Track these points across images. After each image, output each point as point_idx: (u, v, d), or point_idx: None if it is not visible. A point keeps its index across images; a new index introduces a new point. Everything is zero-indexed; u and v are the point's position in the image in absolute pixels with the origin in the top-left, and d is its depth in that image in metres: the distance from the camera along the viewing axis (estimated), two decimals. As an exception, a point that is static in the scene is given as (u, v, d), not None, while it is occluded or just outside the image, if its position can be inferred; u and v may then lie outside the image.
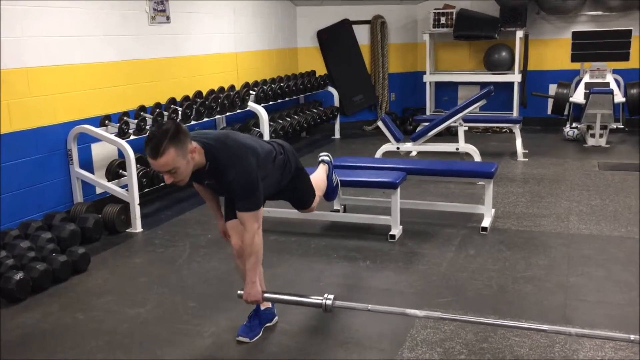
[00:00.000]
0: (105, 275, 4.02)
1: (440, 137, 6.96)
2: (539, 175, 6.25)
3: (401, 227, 4.55)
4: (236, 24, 7.36)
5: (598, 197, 5.35)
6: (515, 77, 8.53)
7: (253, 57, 7.78)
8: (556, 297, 3.45)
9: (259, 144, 2.91)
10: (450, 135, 7.71)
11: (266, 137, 6.65)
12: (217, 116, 6.30)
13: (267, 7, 8.12)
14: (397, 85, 9.51)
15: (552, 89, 8.56)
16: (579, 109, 7.88)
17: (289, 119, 7.63)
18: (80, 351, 3.02)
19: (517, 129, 7.15)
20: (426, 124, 6.64)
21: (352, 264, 4.07)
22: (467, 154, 6.29)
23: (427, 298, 3.50)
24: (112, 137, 4.91)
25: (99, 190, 5.16)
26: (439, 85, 9.38)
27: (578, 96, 7.90)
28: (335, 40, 9.14)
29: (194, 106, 5.82)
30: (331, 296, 2.85)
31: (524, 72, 8.62)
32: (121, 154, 5.01)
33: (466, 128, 6.53)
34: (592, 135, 7.56)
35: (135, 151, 4.86)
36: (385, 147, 6.26)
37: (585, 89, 7.78)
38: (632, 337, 2.55)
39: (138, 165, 4.96)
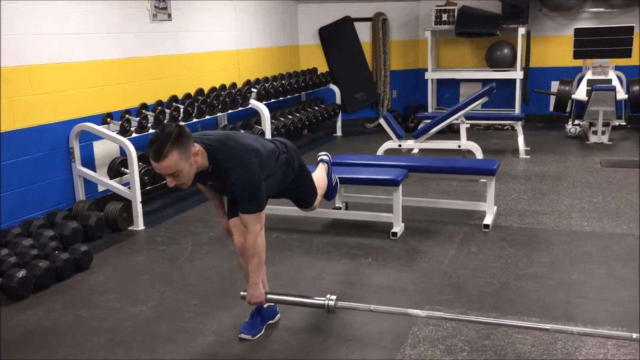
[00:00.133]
0: (108, 273, 4.02)
1: (442, 135, 6.95)
2: (541, 172, 6.24)
3: (403, 224, 4.55)
4: (238, 21, 7.35)
5: (600, 194, 5.34)
6: (517, 74, 8.52)
7: (255, 54, 7.77)
8: (558, 295, 3.45)
9: (261, 143, 2.91)
10: (452, 132, 7.70)
11: (268, 134, 6.65)
12: (219, 114, 6.30)
13: (268, 4, 8.11)
14: (398, 82, 9.49)
15: (554, 86, 8.54)
16: (581, 106, 7.86)
17: (290, 117, 7.63)
18: (82, 349, 3.03)
19: (519, 126, 7.14)
20: (428, 121, 6.63)
21: (354, 261, 4.07)
22: (469, 152, 6.29)
23: (429, 295, 3.50)
24: (114, 134, 4.92)
25: (101, 188, 5.17)
26: (440, 83, 9.37)
27: (580, 93, 7.88)
28: (336, 37, 9.13)
29: (196, 104, 5.81)
30: (334, 297, 2.86)
31: (526, 69, 8.61)
32: (123, 151, 5.01)
33: (468, 125, 6.52)
34: (595, 133, 7.55)
35: (137, 149, 4.86)
36: (387, 145, 6.26)
37: (588, 85, 7.76)
38: (635, 335, 2.55)
39: (140, 163, 4.96)
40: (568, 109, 8.16)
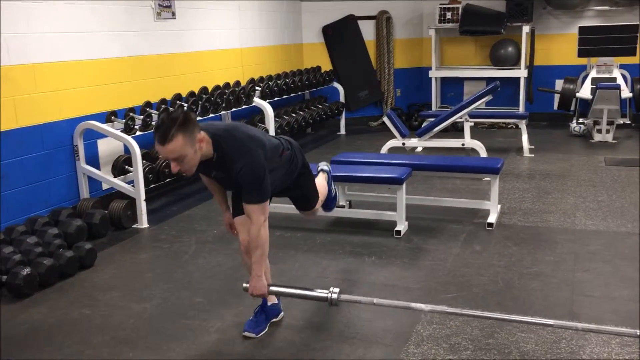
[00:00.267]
0: (112, 270, 4.03)
1: (446, 133, 6.95)
2: (545, 171, 6.23)
3: (407, 222, 4.55)
4: (241, 19, 7.36)
5: (604, 193, 5.33)
6: (522, 73, 8.50)
7: (258, 52, 7.77)
8: (562, 293, 3.44)
9: (266, 137, 2.92)
10: (456, 131, 7.69)
11: (271, 133, 6.65)
12: (223, 112, 6.30)
13: (272, 2, 8.11)
14: (402, 80, 9.48)
15: (559, 84, 8.53)
16: (585, 105, 7.84)
17: (294, 115, 7.63)
18: (86, 346, 3.04)
19: (523, 125, 7.13)
20: (432, 119, 6.63)
21: (357, 259, 4.07)
22: (473, 150, 6.28)
23: (432, 294, 3.49)
24: (118, 133, 4.92)
25: (105, 186, 5.18)
26: (444, 81, 9.36)
27: (585, 91, 7.86)
28: (340, 35, 9.12)
29: (200, 102, 5.82)
30: (337, 290, 2.84)
31: (530, 67, 8.59)
32: (127, 149, 5.02)
33: (472, 124, 6.51)
34: (599, 131, 7.53)
35: (141, 147, 4.87)
36: (391, 143, 6.26)
37: (592, 84, 7.74)
38: (639, 332, 2.54)
39: (144, 161, 4.97)
40: (572, 108, 8.14)
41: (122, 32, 5.42)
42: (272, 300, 3.18)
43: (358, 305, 3.31)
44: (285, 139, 3.11)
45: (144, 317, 3.33)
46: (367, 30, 9.23)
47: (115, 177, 5.06)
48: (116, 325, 3.24)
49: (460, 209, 4.91)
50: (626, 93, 7.71)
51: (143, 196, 4.84)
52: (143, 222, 4.86)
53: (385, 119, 6.28)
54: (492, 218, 4.60)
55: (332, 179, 3.75)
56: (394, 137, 6.27)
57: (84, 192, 4.98)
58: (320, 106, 8.37)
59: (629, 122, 7.90)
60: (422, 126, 6.67)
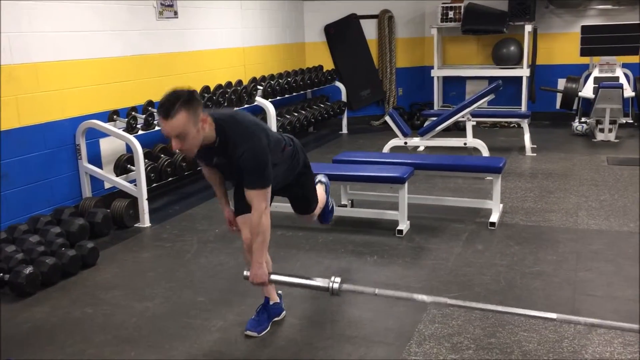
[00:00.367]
0: (114, 269, 4.03)
1: (448, 132, 6.94)
2: (547, 170, 6.22)
3: (409, 222, 4.55)
4: (243, 18, 7.36)
5: (607, 192, 5.32)
6: (524, 72, 8.49)
7: (260, 52, 7.77)
8: (564, 292, 3.44)
9: (269, 129, 2.92)
10: (458, 130, 7.69)
11: (274, 132, 6.65)
12: (225, 111, 6.30)
13: (274, 1, 8.11)
14: (404, 80, 9.48)
15: (561, 83, 8.51)
16: (588, 104, 7.83)
17: (296, 114, 7.63)
18: (88, 345, 3.04)
19: (525, 124, 7.12)
20: (434, 118, 6.62)
21: (359, 258, 4.07)
22: (475, 149, 6.28)
23: (434, 293, 3.48)
24: (120, 132, 4.93)
25: (107, 185, 5.18)
26: (446, 80, 9.34)
27: (587, 91, 7.85)
28: (342, 34, 9.12)
29: (202, 101, 5.81)
30: (338, 279, 2.74)
31: (533, 66, 8.58)
32: (129, 148, 5.02)
33: (474, 123, 6.50)
34: (601, 130, 7.52)
35: (143, 146, 4.88)
36: (393, 142, 6.25)
37: (595, 83, 7.73)
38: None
39: (146, 160, 4.97)
40: (575, 107, 8.13)
41: (124, 32, 5.43)
42: (274, 299, 3.18)
43: (360, 305, 3.32)
44: (287, 136, 3.11)
45: (146, 316, 3.34)
46: (369, 30, 9.22)
47: (117, 176, 5.06)
48: (118, 324, 3.24)
49: (462, 208, 4.91)
50: (629, 92, 7.70)
51: (145, 195, 4.85)
52: (145, 221, 4.86)
53: (387, 118, 6.28)
54: (494, 217, 4.60)
55: (331, 181, 3.75)
56: (396, 136, 6.26)
57: (86, 191, 4.98)
58: (322, 105, 8.37)
59: (632, 121, 7.88)
60: (424, 125, 6.66)
